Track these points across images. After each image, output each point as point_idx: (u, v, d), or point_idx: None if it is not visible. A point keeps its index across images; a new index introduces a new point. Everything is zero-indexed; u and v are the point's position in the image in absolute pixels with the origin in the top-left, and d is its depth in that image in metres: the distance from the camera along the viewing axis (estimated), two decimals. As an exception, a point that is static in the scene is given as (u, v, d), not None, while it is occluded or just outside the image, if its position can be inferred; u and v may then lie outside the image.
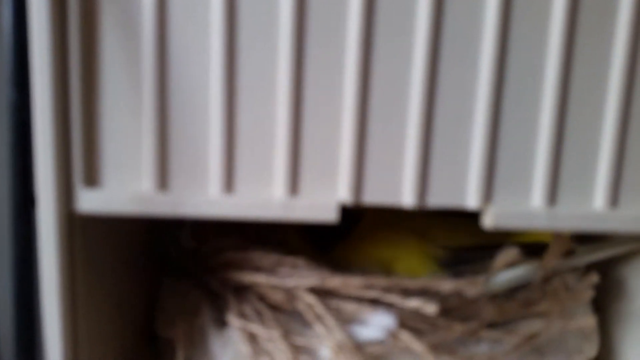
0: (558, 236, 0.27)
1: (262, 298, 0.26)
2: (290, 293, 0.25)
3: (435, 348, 0.24)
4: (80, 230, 0.22)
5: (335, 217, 0.22)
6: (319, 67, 0.21)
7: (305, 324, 0.25)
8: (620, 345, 0.30)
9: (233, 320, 0.25)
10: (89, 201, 0.21)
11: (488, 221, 0.22)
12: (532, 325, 0.26)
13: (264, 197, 0.22)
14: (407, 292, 0.25)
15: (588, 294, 0.27)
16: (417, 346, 0.23)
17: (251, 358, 0.24)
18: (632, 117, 0.22)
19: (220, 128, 0.21)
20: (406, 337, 0.23)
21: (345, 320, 0.25)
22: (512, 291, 0.28)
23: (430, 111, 0.21)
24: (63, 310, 0.22)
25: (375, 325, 0.24)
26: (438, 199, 0.22)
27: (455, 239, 0.31)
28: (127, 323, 0.29)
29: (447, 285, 0.25)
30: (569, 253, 0.28)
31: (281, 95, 0.21)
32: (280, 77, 0.21)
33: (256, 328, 0.24)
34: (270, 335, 0.24)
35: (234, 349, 0.25)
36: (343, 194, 0.22)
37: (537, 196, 0.22)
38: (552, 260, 0.27)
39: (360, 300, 0.25)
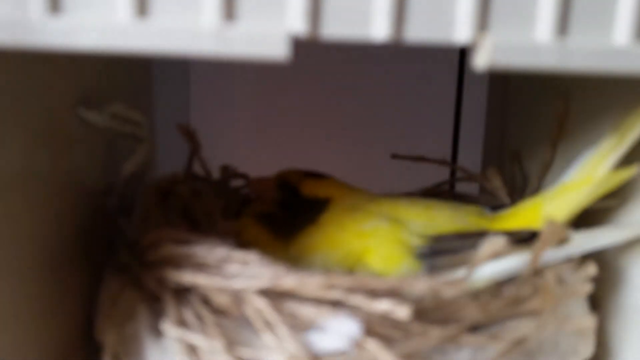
0: (550, 223, 0.23)
1: (205, 301, 0.22)
2: (237, 296, 0.22)
3: (408, 358, 0.20)
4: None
5: (283, 51, 0.16)
6: None
7: (255, 332, 0.21)
8: (618, 342, 0.26)
9: (169, 328, 0.21)
10: None
11: (481, 59, 0.17)
12: (521, 326, 0.23)
13: (189, 24, 0.17)
14: (375, 293, 0.21)
15: (585, 288, 0.24)
16: (386, 357, 0.20)
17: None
18: None
19: None
20: (373, 347, 0.20)
21: (302, 327, 0.21)
22: (499, 286, 0.24)
23: None
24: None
25: (337, 332, 0.20)
26: (418, 31, 0.17)
27: (435, 225, 0.26)
28: (62, 327, 0.25)
29: (421, 285, 0.21)
30: (563, 241, 0.24)
31: None
32: None
33: (196, 338, 0.21)
34: (212, 347, 0.21)
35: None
36: (295, 22, 0.17)
37: (544, 25, 0.17)
38: (543, 249, 0.23)
39: (320, 302, 0.21)
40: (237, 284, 0.20)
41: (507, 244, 0.22)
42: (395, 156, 0.39)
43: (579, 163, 0.26)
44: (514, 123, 0.39)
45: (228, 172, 0.37)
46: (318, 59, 0.51)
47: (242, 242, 0.29)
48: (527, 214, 0.27)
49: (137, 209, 0.28)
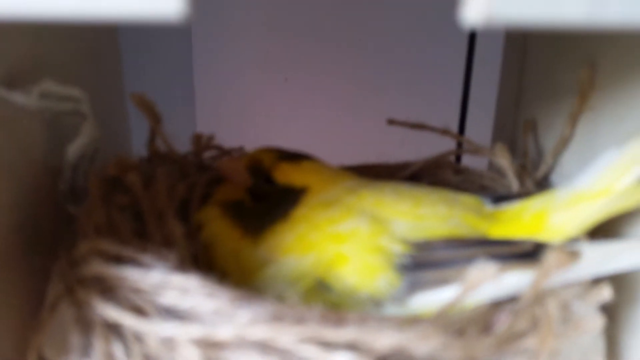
0: (556, 250, 0.19)
1: (138, 338, 0.19)
2: (168, 341, 0.18)
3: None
4: None
5: (175, 9, 0.12)
6: None
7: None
8: (632, 356, 0.22)
9: None
10: None
11: (474, 11, 0.12)
12: None
13: None
14: (331, 345, 0.17)
15: (596, 322, 0.20)
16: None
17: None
18: None
19: None
20: None
21: None
22: (490, 314, 0.20)
23: None
24: None
25: None
26: None
27: (423, 227, 0.22)
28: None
29: (385, 340, 0.17)
30: (575, 259, 0.20)
31: None
32: None
33: None
34: None
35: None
36: None
37: None
38: (544, 279, 0.19)
39: (266, 349, 0.17)
40: (167, 330, 0.17)
41: (497, 271, 0.18)
42: (391, 122, 0.34)
43: (599, 167, 0.21)
44: (530, 90, 0.34)
45: (201, 144, 0.33)
46: (323, 19, 0.46)
47: (203, 239, 0.26)
48: (532, 220, 0.22)
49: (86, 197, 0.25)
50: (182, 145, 0.31)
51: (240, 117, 0.50)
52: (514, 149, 0.34)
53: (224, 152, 0.33)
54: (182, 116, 0.50)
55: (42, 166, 0.26)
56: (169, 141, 0.30)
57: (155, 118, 0.29)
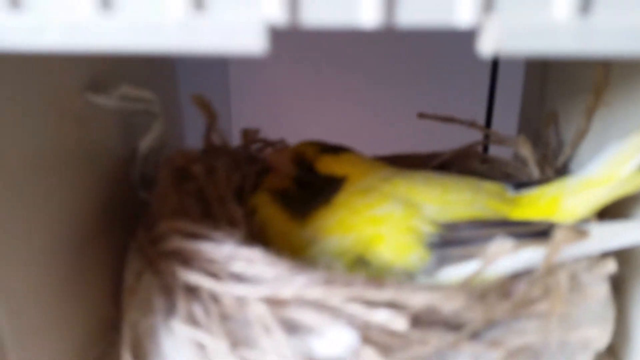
0: (563, 228, 0.22)
1: (215, 298, 0.22)
2: (240, 299, 0.22)
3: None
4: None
5: (260, 43, 0.15)
6: None
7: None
8: (639, 335, 0.25)
9: (179, 326, 0.22)
10: None
11: (487, 44, 0.15)
12: (526, 329, 0.22)
13: (156, 17, 0.16)
14: (372, 303, 0.21)
15: (601, 290, 0.23)
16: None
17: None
18: None
19: None
20: (370, 356, 0.20)
21: (302, 333, 0.21)
22: (508, 283, 0.23)
23: None
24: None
25: (335, 340, 0.20)
26: (413, 14, 0.15)
27: (450, 210, 0.26)
28: (87, 310, 0.26)
29: (418, 299, 0.21)
30: (583, 236, 0.23)
31: None
32: None
33: (203, 337, 0.21)
34: (217, 347, 0.21)
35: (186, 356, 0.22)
36: (271, 9, 0.15)
37: (561, 2, 0.15)
38: (555, 254, 0.22)
39: (321, 307, 0.21)
40: (239, 290, 0.21)
41: (514, 247, 0.21)
42: (422, 115, 0.37)
43: (605, 156, 0.24)
44: (553, 84, 0.36)
45: (248, 138, 0.36)
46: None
47: (257, 222, 0.30)
48: (547, 204, 0.25)
49: (156, 184, 0.29)
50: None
51: (274, 113, 0.53)
52: (538, 140, 0.37)
53: (268, 144, 0.36)
54: (218, 112, 0.54)
55: (117, 158, 0.30)
56: (224, 136, 0.34)
57: (211, 115, 0.32)
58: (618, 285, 0.26)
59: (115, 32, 0.16)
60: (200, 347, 0.21)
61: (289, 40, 0.51)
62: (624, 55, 0.15)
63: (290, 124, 0.53)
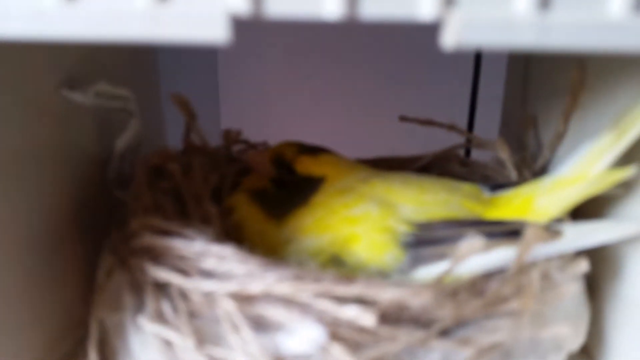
0: (532, 227, 0.23)
1: (184, 295, 0.22)
2: (209, 296, 0.22)
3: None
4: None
5: (223, 33, 0.15)
6: None
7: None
8: (614, 332, 0.25)
9: (146, 323, 0.22)
10: None
11: (449, 37, 0.15)
12: (497, 327, 0.22)
13: (120, 6, 0.16)
14: (341, 299, 0.21)
15: (572, 289, 0.23)
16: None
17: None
18: None
19: None
20: (338, 352, 0.20)
21: (270, 330, 0.21)
22: (480, 282, 0.23)
23: None
24: None
25: (304, 336, 0.20)
26: (376, 7, 0.16)
27: (426, 210, 0.26)
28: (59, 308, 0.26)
29: (386, 294, 0.21)
30: (550, 240, 0.23)
31: None
32: None
33: (170, 334, 0.21)
34: (184, 344, 0.21)
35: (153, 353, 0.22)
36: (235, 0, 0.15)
37: None
38: (525, 252, 0.22)
39: (289, 303, 0.21)
40: (207, 286, 0.20)
41: (485, 245, 0.21)
42: (403, 119, 0.37)
43: (577, 156, 0.24)
44: (534, 87, 0.37)
45: (230, 138, 0.36)
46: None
47: (234, 221, 0.29)
48: (521, 204, 0.25)
49: (132, 183, 0.29)
50: (209, 140, 0.35)
51: (262, 114, 0.53)
52: (519, 144, 0.37)
53: (250, 146, 0.36)
54: (207, 113, 0.53)
55: (93, 157, 0.30)
56: (203, 135, 0.33)
57: (191, 115, 0.32)
58: (593, 286, 0.26)
59: (79, 21, 0.16)
60: (168, 344, 0.21)
61: (279, 40, 0.51)
62: (582, 50, 0.15)
63: (279, 124, 0.53)
